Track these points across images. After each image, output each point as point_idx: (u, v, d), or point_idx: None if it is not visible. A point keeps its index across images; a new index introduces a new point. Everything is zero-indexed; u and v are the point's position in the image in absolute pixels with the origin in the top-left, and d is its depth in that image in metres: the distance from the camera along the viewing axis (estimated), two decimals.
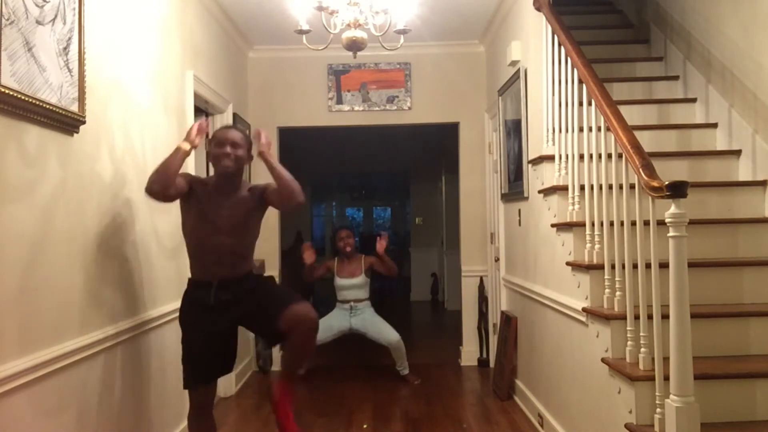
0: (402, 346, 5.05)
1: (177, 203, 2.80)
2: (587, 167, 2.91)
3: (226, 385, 4.49)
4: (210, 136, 2.90)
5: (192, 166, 3.71)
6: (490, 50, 5.20)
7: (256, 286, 2.84)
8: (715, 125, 3.77)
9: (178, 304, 3.09)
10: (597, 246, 2.83)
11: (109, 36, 2.65)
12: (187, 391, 2.78)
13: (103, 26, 2.58)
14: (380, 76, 5.41)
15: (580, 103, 2.99)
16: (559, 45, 3.30)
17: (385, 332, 5.07)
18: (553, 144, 3.41)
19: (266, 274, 5.22)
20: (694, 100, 4.00)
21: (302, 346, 2.77)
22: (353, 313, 5.15)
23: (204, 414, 2.79)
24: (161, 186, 2.57)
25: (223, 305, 2.72)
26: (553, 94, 3.42)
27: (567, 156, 3.21)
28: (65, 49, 2.23)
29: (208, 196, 2.73)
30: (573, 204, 3.09)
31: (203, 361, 2.72)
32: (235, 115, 4.72)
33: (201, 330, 2.71)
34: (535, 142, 3.78)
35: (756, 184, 3.32)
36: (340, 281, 5.17)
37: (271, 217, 5.40)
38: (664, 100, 4.10)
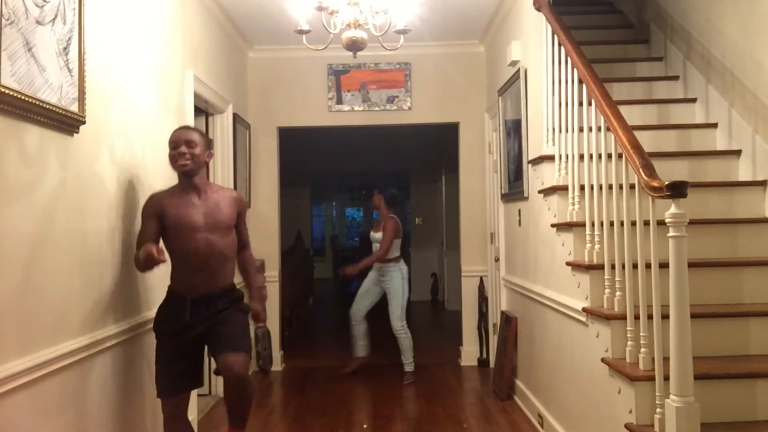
0: (401, 335, 5.03)
1: None
2: (587, 167, 2.91)
3: None
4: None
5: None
6: (490, 50, 5.20)
7: (228, 307, 2.79)
8: (715, 125, 3.77)
9: None
10: (597, 246, 2.83)
11: (109, 36, 2.65)
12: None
13: (103, 26, 2.58)
14: (380, 76, 5.41)
15: (580, 103, 2.99)
16: (559, 45, 3.30)
17: (391, 313, 5.07)
18: (553, 144, 3.41)
19: (265, 274, 5.25)
20: (694, 100, 4.00)
21: (232, 398, 2.75)
22: (381, 275, 5.16)
23: (177, 420, 2.77)
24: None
25: (195, 319, 2.71)
26: (553, 94, 3.42)
27: (567, 156, 3.21)
28: (65, 49, 2.23)
29: (178, 203, 2.72)
30: (573, 204, 3.09)
31: (172, 373, 2.71)
32: (235, 115, 4.72)
33: (172, 340, 2.70)
34: (535, 142, 3.78)
35: (756, 184, 3.32)
36: (370, 235, 5.26)
37: (271, 217, 5.41)
38: (664, 100, 4.10)
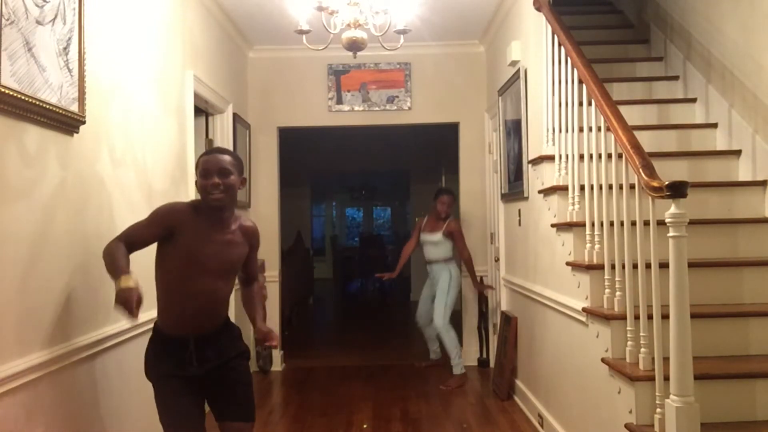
0: (441, 334, 4.97)
1: None
2: (587, 167, 2.92)
3: None
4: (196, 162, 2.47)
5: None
6: (490, 50, 5.20)
7: (236, 356, 2.49)
8: (715, 125, 3.77)
9: None
10: (597, 246, 2.83)
11: (109, 36, 2.65)
12: None
13: (104, 26, 2.58)
14: (380, 76, 5.41)
15: (580, 103, 2.99)
16: (559, 45, 3.30)
17: (434, 311, 5.04)
18: (553, 144, 3.41)
19: (265, 274, 5.25)
20: (694, 100, 4.00)
21: None
22: (431, 278, 5.20)
23: None
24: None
25: (201, 362, 2.37)
26: (553, 94, 3.42)
27: (567, 156, 3.21)
28: (65, 49, 2.23)
29: (197, 231, 2.32)
30: (573, 204, 3.09)
31: (190, 416, 2.33)
32: (235, 115, 4.72)
33: (178, 380, 2.33)
34: (535, 142, 3.78)
35: (756, 184, 3.32)
36: (422, 236, 5.25)
37: (271, 217, 5.41)
38: (664, 100, 4.10)
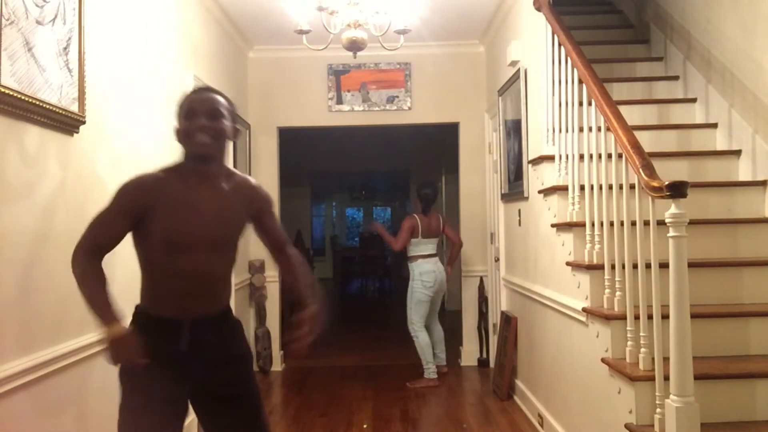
0: (416, 340, 4.95)
1: None
2: (587, 167, 2.92)
3: None
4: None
5: None
6: (490, 50, 5.20)
7: (242, 355, 2.08)
8: (715, 125, 3.77)
9: None
10: (597, 246, 2.83)
11: (109, 36, 2.65)
12: None
13: (103, 26, 2.59)
14: (380, 76, 5.41)
15: (580, 103, 3.00)
16: (559, 45, 3.30)
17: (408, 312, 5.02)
18: (553, 144, 3.41)
19: (265, 274, 5.25)
20: (694, 100, 4.00)
21: None
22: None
23: None
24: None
25: (196, 353, 1.90)
26: (553, 94, 3.42)
27: (567, 156, 3.21)
28: (65, 49, 2.23)
29: (174, 201, 1.86)
30: (573, 204, 3.09)
31: (158, 410, 1.86)
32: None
33: (156, 394, 1.84)
34: (535, 142, 3.78)
35: (756, 184, 3.32)
36: (421, 239, 5.12)
37: None
38: (664, 100, 4.10)
